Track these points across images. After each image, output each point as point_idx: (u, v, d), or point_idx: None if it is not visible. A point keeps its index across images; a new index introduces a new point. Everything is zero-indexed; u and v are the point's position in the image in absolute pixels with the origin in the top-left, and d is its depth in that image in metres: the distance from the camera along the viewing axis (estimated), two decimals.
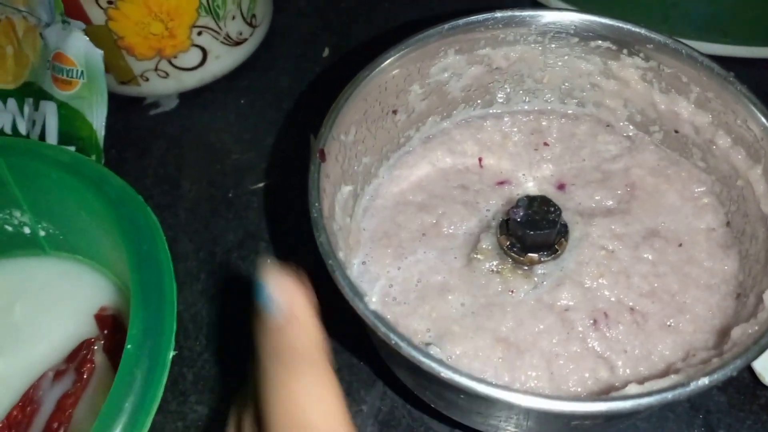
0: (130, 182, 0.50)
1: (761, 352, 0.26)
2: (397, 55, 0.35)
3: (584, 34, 0.35)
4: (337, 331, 0.43)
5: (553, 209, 0.33)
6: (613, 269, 0.34)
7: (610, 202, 0.36)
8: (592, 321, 0.33)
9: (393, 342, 0.26)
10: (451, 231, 0.36)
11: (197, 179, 0.51)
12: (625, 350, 0.32)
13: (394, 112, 0.38)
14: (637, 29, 0.34)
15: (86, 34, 0.47)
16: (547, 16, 0.35)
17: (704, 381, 0.25)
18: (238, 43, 0.54)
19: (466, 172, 0.39)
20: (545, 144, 0.39)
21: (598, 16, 0.35)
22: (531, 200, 0.33)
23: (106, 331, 0.40)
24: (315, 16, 0.60)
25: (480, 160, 0.39)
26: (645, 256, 0.34)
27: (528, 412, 0.27)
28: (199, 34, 0.51)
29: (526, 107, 0.40)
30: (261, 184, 0.50)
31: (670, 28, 0.57)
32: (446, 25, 0.35)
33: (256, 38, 0.56)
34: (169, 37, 0.50)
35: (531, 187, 0.38)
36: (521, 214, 0.33)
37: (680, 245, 0.34)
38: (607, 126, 0.39)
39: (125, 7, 0.47)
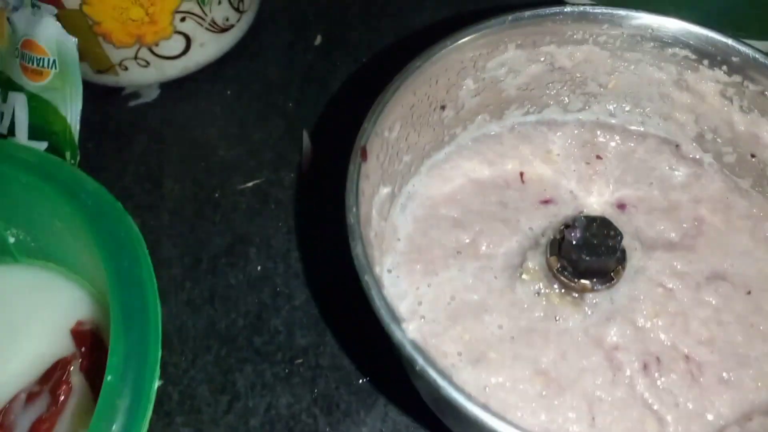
0: (108, 180, 0.46)
1: None
2: (453, 45, 0.31)
3: (662, 40, 0.32)
4: (342, 341, 0.40)
5: (613, 233, 0.30)
6: (670, 310, 0.31)
7: (674, 235, 0.33)
8: (642, 365, 0.30)
9: (432, 380, 0.24)
10: (489, 250, 0.33)
11: (180, 178, 0.47)
12: (676, 403, 0.29)
13: (443, 107, 0.34)
14: (723, 38, 0.31)
15: (59, 19, 0.43)
16: (624, 16, 0.32)
17: None
18: (224, 30, 0.50)
19: (505, 187, 0.35)
20: (598, 157, 0.36)
21: (681, 19, 0.32)
22: (590, 221, 0.30)
23: (83, 349, 0.37)
24: (306, 0, 0.57)
25: (521, 174, 0.36)
26: (707, 299, 0.31)
27: None
28: (183, 20, 0.47)
29: (581, 116, 0.37)
30: (249, 184, 0.47)
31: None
32: (510, 17, 0.32)
33: (244, 24, 0.52)
34: (150, 23, 0.46)
35: (582, 207, 0.35)
36: (578, 235, 0.30)
37: (749, 293, 0.31)
38: (676, 146, 0.36)
39: None
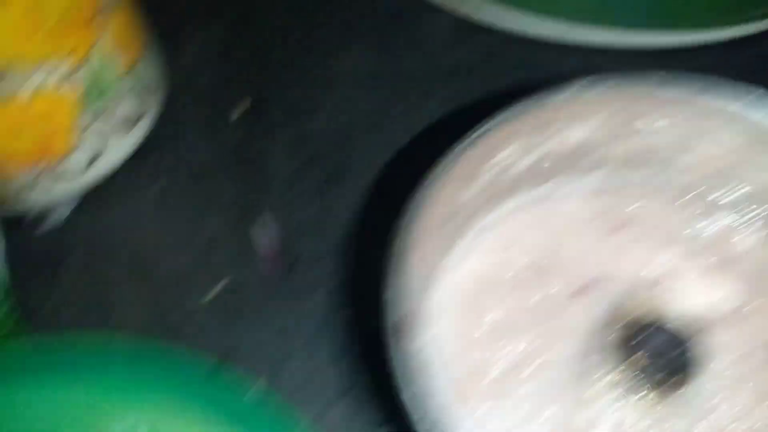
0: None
1: None
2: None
3: None
4: None
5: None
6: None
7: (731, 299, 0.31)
8: None
9: None
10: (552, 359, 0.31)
11: (130, 302, 0.41)
12: None
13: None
14: None
15: None
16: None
17: None
18: (136, 122, 0.43)
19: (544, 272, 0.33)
20: (623, 225, 0.33)
21: None
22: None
23: None
24: (220, 59, 0.49)
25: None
26: None
27: None
28: (87, 127, 0.40)
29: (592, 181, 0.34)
30: (210, 296, 0.41)
31: (603, 21, 0.49)
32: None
33: (155, 107, 0.45)
34: (44, 147, 0.39)
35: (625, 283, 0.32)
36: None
37: None
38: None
39: None
